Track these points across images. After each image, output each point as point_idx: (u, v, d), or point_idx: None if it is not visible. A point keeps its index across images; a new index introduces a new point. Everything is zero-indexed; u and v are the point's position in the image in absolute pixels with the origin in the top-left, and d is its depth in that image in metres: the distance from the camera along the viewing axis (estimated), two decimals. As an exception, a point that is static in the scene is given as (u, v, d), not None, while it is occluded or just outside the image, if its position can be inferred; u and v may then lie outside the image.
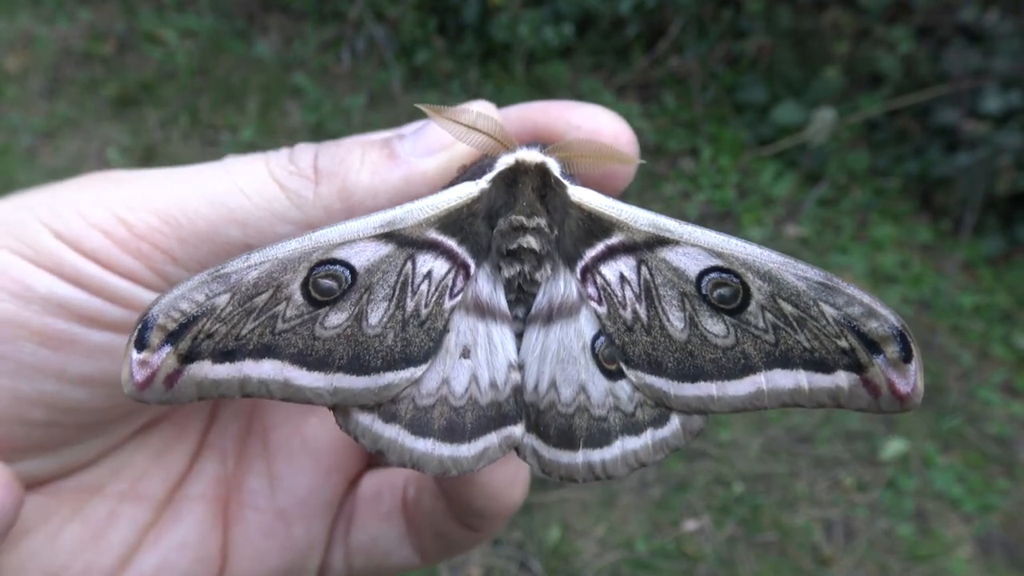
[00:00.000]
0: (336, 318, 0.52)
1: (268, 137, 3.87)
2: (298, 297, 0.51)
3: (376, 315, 0.52)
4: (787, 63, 3.90)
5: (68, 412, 0.59)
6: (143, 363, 0.48)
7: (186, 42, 4.22)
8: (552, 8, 3.91)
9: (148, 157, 3.79)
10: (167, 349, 0.49)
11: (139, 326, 0.48)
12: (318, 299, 0.52)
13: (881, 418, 3.13)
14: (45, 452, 0.62)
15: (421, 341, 0.53)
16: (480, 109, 0.55)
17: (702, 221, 3.66)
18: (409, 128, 0.60)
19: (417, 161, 0.56)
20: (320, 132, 3.90)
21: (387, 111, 3.92)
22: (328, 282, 0.51)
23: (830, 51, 3.86)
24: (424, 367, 0.53)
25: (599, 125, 0.58)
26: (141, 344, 0.48)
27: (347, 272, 0.52)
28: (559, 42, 3.83)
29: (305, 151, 0.58)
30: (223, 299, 0.49)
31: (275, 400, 0.52)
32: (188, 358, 0.49)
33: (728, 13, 4.02)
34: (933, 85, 3.64)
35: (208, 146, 3.86)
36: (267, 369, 0.51)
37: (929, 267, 3.59)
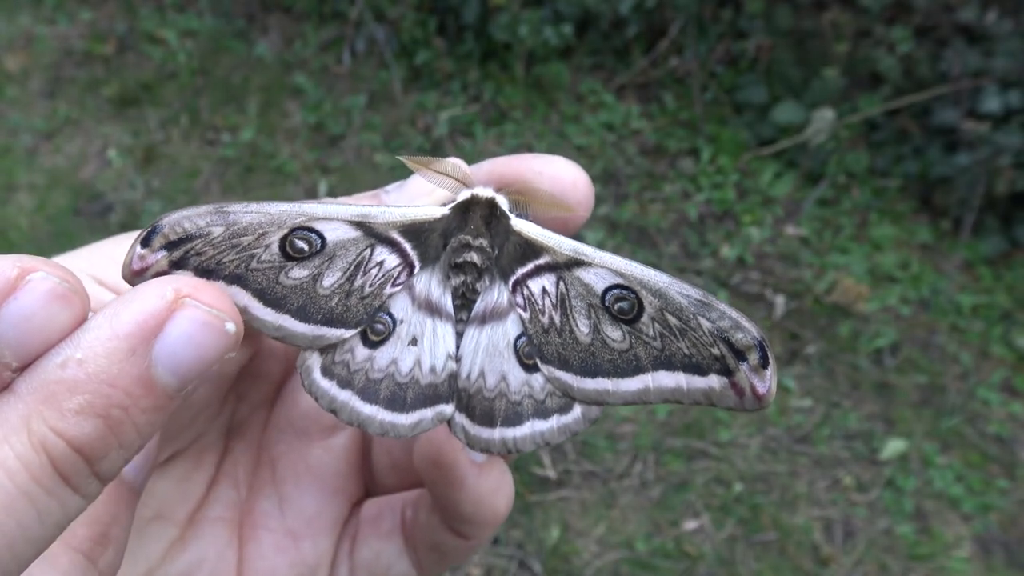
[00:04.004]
0: (299, 273, 0.63)
1: (268, 137, 3.87)
2: (275, 248, 0.62)
3: (330, 280, 0.64)
4: (787, 63, 3.90)
5: None
6: (142, 257, 0.58)
7: (186, 42, 4.22)
8: (552, 8, 3.91)
9: (148, 157, 3.79)
10: (163, 253, 0.59)
11: (149, 229, 0.58)
12: (290, 254, 0.63)
13: (880, 418, 3.13)
14: None
15: (357, 312, 0.64)
16: (453, 162, 0.67)
17: (702, 221, 3.67)
18: (393, 185, 0.73)
19: None
20: (320, 132, 3.90)
21: (387, 111, 3.92)
22: (302, 244, 0.63)
23: (830, 51, 3.86)
24: (353, 332, 0.64)
25: (558, 171, 0.68)
26: (145, 243, 0.58)
27: (319, 240, 0.63)
28: (559, 42, 3.83)
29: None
30: (218, 230, 0.60)
31: None
32: (176, 265, 0.60)
33: (728, 13, 4.02)
34: (933, 85, 3.64)
35: (208, 146, 3.86)
36: (234, 293, 0.62)
37: (929, 267, 3.59)
